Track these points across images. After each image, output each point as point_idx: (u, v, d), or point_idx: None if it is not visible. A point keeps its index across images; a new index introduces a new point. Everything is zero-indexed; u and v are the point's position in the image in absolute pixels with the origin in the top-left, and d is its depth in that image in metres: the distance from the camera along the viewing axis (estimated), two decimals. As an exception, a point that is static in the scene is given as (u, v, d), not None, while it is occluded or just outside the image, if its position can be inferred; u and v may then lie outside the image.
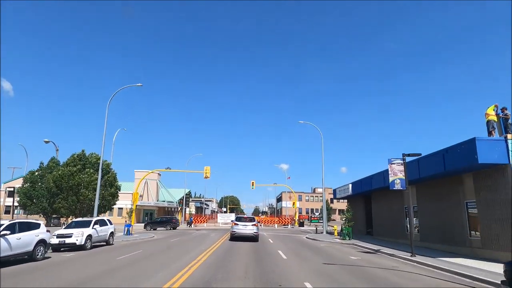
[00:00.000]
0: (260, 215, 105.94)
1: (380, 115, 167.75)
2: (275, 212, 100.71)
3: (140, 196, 54.63)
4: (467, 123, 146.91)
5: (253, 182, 50.03)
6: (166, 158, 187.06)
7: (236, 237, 20.21)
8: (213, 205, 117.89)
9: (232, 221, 23.72)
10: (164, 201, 55.17)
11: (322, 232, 30.93)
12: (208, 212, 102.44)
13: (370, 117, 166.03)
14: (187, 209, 76.95)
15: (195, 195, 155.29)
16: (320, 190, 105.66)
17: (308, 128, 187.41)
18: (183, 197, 67.48)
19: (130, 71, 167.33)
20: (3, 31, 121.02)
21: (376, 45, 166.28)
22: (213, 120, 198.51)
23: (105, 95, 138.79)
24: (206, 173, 32.08)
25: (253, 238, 20.03)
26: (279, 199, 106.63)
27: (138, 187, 37.10)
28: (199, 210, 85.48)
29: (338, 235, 25.99)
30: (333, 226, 32.96)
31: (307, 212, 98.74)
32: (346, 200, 34.18)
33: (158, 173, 57.72)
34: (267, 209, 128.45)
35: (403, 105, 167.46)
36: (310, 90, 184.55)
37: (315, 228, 39.76)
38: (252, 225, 20.28)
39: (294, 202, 49.82)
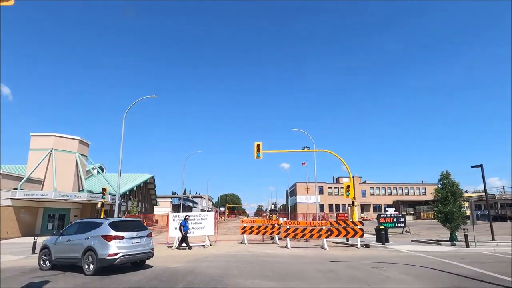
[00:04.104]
0: (265, 214, 78.90)
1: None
2: (288, 211, 73.99)
3: (39, 180, 28.22)
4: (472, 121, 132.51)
5: (258, 145, 23.70)
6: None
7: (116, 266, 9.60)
8: (204, 203, 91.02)
9: (103, 236, 9.64)
10: (88, 192, 28.83)
11: None
12: (197, 212, 75.54)
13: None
14: (155, 208, 50.38)
15: (190, 193, 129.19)
16: (346, 180, 78.81)
17: (313, 118, 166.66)
18: (139, 185, 40.89)
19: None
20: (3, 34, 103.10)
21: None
22: (216, 118, 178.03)
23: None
24: None
25: (148, 258, 10.59)
26: (292, 193, 79.75)
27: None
28: (177, 209, 58.37)
29: None
30: None
31: (330, 209, 72.16)
32: None
33: (81, 141, 31.16)
34: (273, 207, 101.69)
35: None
36: (308, 89, 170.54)
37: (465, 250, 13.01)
38: (147, 235, 10.47)
39: (349, 186, 23.11)
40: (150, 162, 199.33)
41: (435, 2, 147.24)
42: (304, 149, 25.89)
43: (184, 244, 15.87)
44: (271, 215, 53.97)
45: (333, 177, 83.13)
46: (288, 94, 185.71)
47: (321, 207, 71.31)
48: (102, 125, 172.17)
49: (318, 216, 37.95)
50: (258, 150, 23.60)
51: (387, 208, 44.04)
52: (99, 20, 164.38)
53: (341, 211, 70.64)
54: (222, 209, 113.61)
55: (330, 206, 73.18)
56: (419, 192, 75.66)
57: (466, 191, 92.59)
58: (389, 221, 25.51)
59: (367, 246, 16.68)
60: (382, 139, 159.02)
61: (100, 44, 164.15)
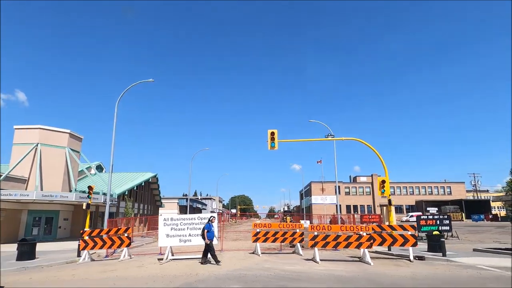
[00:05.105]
0: (277, 216, 74.65)
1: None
2: (302, 212, 69.64)
3: (23, 179, 24.99)
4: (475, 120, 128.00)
5: (272, 133, 19.88)
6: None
7: None
8: (215, 205, 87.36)
9: None
10: (81, 192, 25.39)
11: None
12: (195, 215, 71.85)
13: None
14: (160, 211, 46.83)
15: (200, 194, 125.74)
16: (363, 179, 73.95)
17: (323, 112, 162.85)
18: (140, 184, 37.48)
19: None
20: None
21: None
22: (218, 119, 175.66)
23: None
24: None
25: None
26: (306, 193, 75.29)
27: None
28: (185, 210, 54.95)
29: None
30: None
31: (348, 210, 67.42)
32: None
33: (71, 134, 27.80)
34: (286, 208, 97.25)
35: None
36: (314, 89, 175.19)
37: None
38: None
39: (384, 181, 19.18)
40: (160, 164, 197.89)
41: (438, 2, 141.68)
42: (328, 137, 21.71)
43: (209, 256, 11.69)
44: (284, 217, 49.71)
45: (350, 176, 78.48)
46: (294, 95, 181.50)
47: (340, 208, 66.75)
48: (107, 125, 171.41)
49: (339, 218, 33.67)
50: (273, 139, 19.71)
51: (428, 209, 39.36)
52: (100, 25, 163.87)
53: (359, 212, 65.96)
54: (234, 211, 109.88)
55: (348, 207, 68.47)
56: (444, 191, 70.23)
57: (487, 190, 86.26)
58: (431, 223, 21.22)
59: (421, 258, 12.47)
60: (387, 138, 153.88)
61: (103, 48, 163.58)
